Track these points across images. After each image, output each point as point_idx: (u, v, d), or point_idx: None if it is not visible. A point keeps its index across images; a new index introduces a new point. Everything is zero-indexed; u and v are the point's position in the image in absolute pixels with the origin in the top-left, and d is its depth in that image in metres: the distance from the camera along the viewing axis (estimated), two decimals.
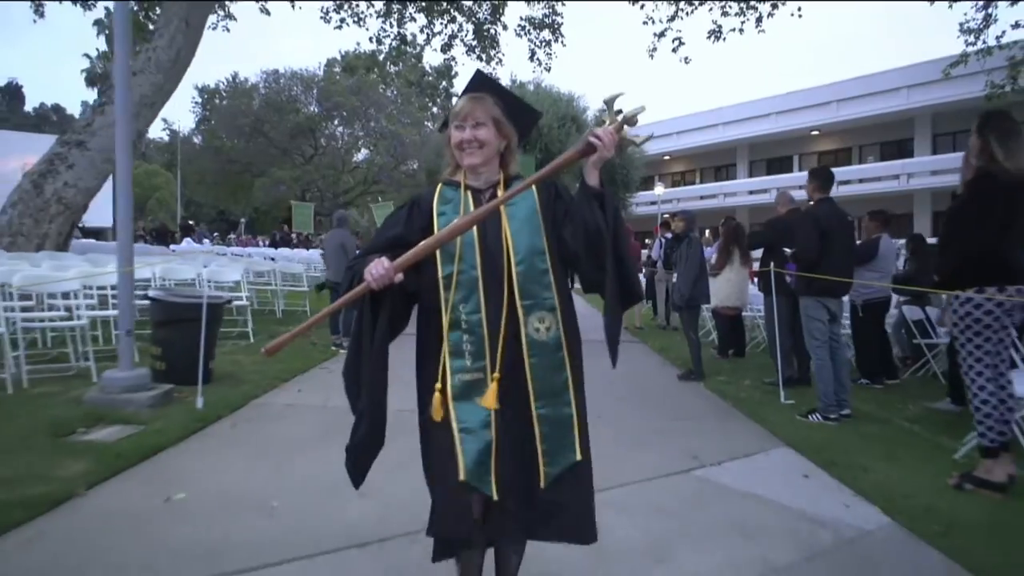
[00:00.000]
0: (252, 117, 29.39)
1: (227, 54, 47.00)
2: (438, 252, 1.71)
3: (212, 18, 12.27)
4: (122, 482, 3.18)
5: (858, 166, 30.48)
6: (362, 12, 13.42)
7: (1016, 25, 10.97)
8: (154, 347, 5.15)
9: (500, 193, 1.77)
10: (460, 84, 19.99)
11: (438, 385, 1.70)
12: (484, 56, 13.68)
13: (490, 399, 1.67)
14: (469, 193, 1.81)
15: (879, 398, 5.48)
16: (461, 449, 1.66)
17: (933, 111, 26.96)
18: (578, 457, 1.74)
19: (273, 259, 13.71)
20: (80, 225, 12.36)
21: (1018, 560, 2.53)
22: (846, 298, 5.33)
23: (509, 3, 13.34)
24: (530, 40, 13.52)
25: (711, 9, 11.66)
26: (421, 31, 13.56)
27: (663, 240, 10.22)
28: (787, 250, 5.64)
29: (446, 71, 19.13)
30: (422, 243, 1.67)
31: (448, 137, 1.82)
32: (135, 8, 11.45)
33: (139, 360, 5.13)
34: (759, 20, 11.50)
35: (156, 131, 35.92)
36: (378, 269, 1.60)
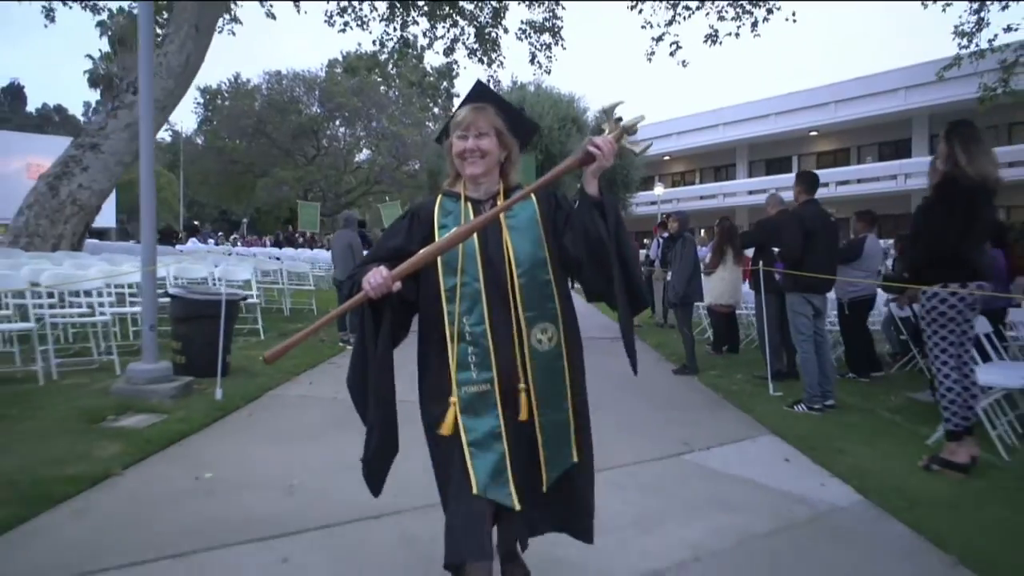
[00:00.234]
0: (254, 118, 29.71)
1: (229, 55, 47.33)
2: (440, 264, 1.71)
3: (219, 22, 12.53)
4: (154, 463, 3.46)
5: (856, 166, 30.77)
6: (365, 16, 13.68)
7: (1008, 29, 11.20)
8: (174, 341, 5.42)
9: (500, 203, 1.78)
10: (460, 84, 20.24)
11: (452, 399, 1.71)
12: (485, 59, 13.92)
13: (523, 411, 1.72)
14: (469, 204, 1.82)
15: (864, 390, 5.73)
16: (472, 463, 1.68)
17: (930, 112, 27.16)
18: (575, 459, 1.80)
19: (278, 259, 13.97)
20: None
21: (968, 529, 2.79)
22: (830, 295, 5.59)
23: (510, 5, 13.56)
24: (531, 44, 13.75)
25: (707, 14, 11.90)
26: (424, 35, 13.81)
27: (660, 240, 10.48)
28: (775, 249, 5.90)
29: (447, 71, 19.36)
30: (421, 252, 1.68)
31: (449, 146, 1.83)
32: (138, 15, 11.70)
33: (159, 354, 5.40)
34: (754, 25, 11.74)
35: (159, 132, 36.14)
36: (376, 278, 1.61)
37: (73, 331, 6.48)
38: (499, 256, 1.74)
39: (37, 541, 2.53)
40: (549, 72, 15.80)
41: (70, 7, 12.57)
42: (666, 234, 9.26)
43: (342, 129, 32.74)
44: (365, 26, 13.75)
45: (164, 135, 38.49)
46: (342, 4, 13.28)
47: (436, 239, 1.75)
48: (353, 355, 1.82)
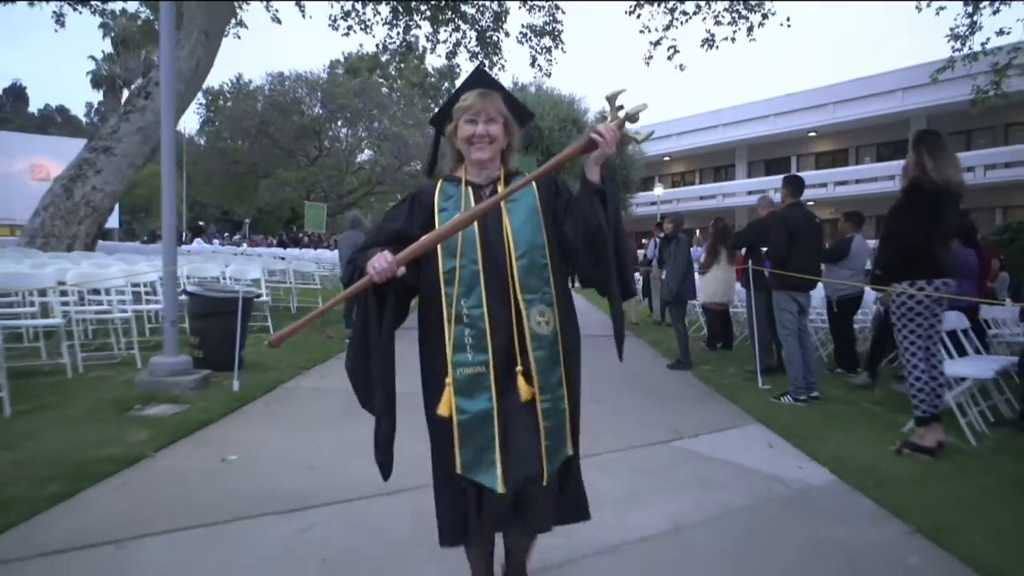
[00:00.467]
0: (257, 119, 29.82)
1: (231, 56, 47.62)
2: (439, 247, 1.73)
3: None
4: (182, 447, 3.74)
5: (855, 167, 31.01)
6: (369, 20, 13.94)
7: (1000, 32, 11.45)
8: (192, 337, 5.70)
9: (500, 189, 1.79)
10: None
11: (448, 380, 1.71)
12: (487, 62, 14.16)
13: (523, 391, 1.70)
14: (470, 189, 1.83)
15: (849, 384, 6.00)
16: (459, 442, 1.70)
17: (928, 113, 27.40)
18: (570, 452, 1.81)
19: (283, 259, 14.25)
20: None
21: (928, 503, 3.08)
22: (814, 292, 5.86)
23: (511, 6, 13.80)
24: (531, 47, 14.01)
25: (704, 19, 12.16)
26: (427, 39, 14.06)
27: (657, 240, 10.75)
28: (763, 249, 6.17)
29: (448, 72, 19.63)
30: (424, 237, 1.69)
31: (454, 130, 1.83)
32: (153, 18, 12.00)
33: (179, 348, 5.68)
34: (750, 29, 12.01)
35: None
36: (380, 263, 1.62)
37: (93, 327, 6.76)
38: (499, 240, 1.76)
39: (86, 511, 2.81)
40: (549, 75, 16.06)
41: (80, 12, 12.88)
42: (662, 235, 9.54)
43: (344, 130, 32.88)
44: (368, 30, 14.02)
45: None
46: (346, 8, 13.56)
47: (436, 223, 1.78)
48: (353, 339, 1.84)
